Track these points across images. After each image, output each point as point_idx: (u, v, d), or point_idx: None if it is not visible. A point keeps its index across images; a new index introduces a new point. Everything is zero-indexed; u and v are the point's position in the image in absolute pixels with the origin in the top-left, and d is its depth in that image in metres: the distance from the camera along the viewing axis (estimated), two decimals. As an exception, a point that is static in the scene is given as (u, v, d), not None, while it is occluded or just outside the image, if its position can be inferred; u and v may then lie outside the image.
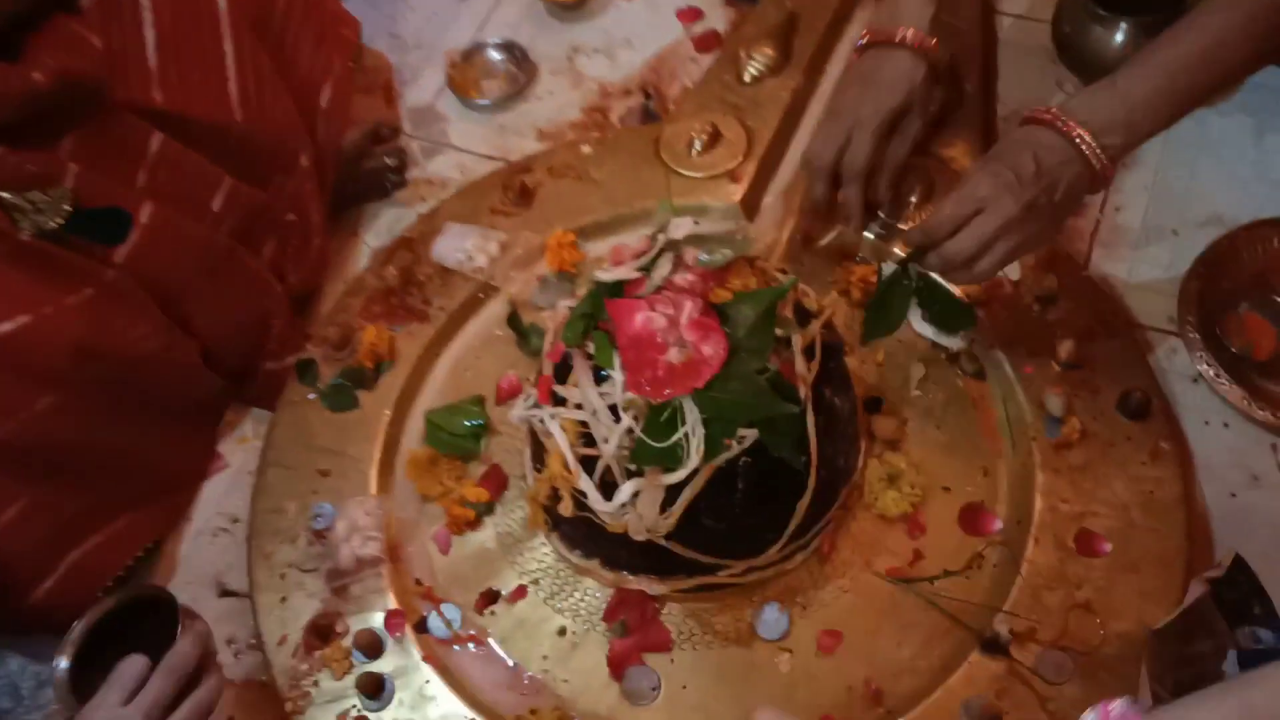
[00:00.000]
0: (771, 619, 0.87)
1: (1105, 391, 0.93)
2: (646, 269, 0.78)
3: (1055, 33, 1.16)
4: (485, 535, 0.94)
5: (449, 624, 0.90)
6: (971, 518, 0.90)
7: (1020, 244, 0.84)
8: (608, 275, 0.79)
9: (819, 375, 0.81)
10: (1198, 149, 1.10)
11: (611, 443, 0.77)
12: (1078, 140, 0.81)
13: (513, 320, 1.04)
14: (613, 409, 0.78)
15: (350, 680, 0.87)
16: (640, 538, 0.80)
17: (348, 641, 0.89)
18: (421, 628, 0.90)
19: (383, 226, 1.17)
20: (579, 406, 0.80)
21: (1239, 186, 1.07)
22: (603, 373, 0.79)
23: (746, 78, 1.15)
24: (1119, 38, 1.10)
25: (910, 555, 0.89)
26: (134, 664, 0.74)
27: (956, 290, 0.93)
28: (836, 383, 0.84)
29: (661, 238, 0.79)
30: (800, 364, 0.80)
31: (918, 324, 0.95)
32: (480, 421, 0.98)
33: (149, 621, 0.83)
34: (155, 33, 0.96)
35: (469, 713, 0.85)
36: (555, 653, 0.88)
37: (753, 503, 0.80)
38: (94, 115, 0.91)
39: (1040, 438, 0.91)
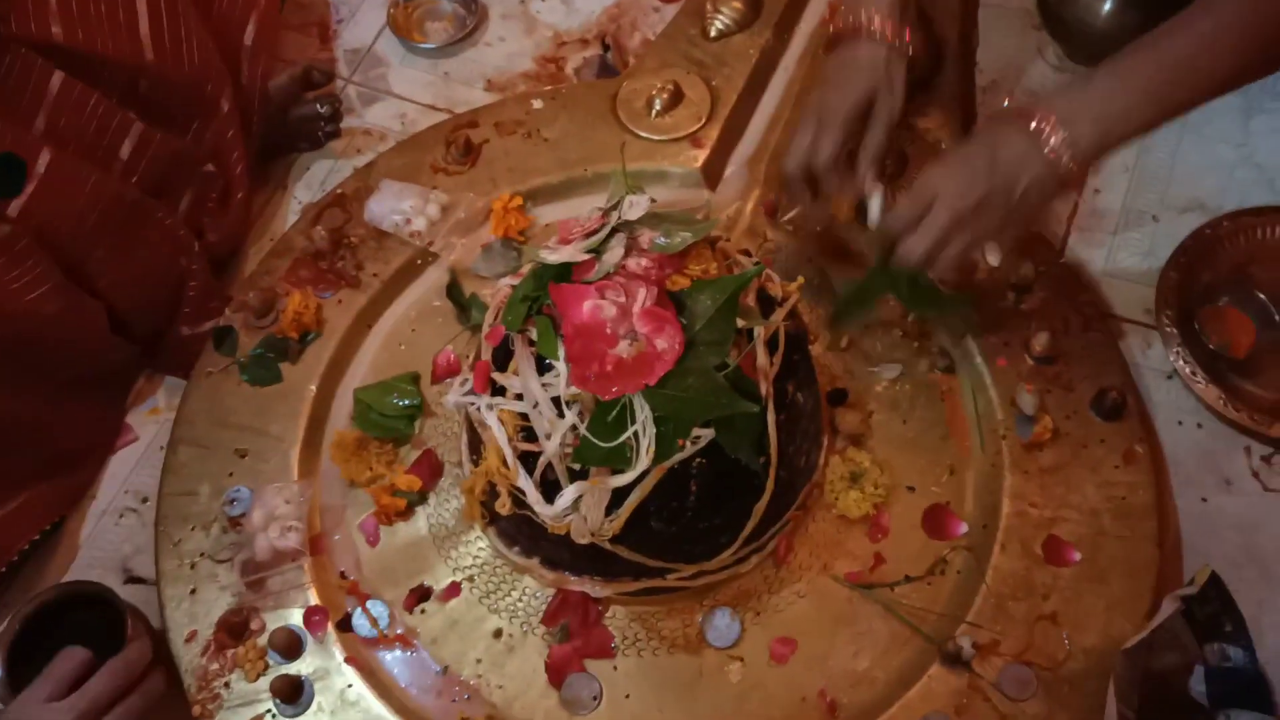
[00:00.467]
0: (722, 625, 0.82)
1: (1079, 389, 0.88)
2: (597, 251, 0.71)
3: (1039, -2, 1.10)
4: (417, 527, 0.87)
5: (375, 623, 0.83)
6: (936, 520, 0.85)
7: (976, 240, 0.79)
8: (553, 256, 0.71)
9: (781, 368, 0.75)
10: (1181, 129, 1.05)
11: (554, 440, 0.71)
12: (1042, 139, 0.75)
13: (452, 291, 0.96)
14: (556, 401, 0.71)
15: (265, 683, 0.81)
16: (583, 541, 0.74)
17: (263, 640, 0.82)
18: (345, 626, 0.83)
19: (313, 179, 1.08)
20: (519, 397, 0.73)
21: (1223, 171, 1.03)
22: (547, 361, 0.72)
23: (712, 32, 1.07)
24: (1106, 5, 1.04)
25: (871, 559, 0.84)
26: (71, 657, 0.69)
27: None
28: (800, 376, 0.78)
29: (615, 216, 0.72)
30: (762, 357, 0.74)
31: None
32: (414, 401, 0.91)
33: (87, 619, 0.80)
34: (54, -42, 0.86)
35: (394, 720, 0.80)
36: (490, 656, 0.82)
37: (706, 506, 0.74)
38: (-17, 51, 0.82)
39: (1010, 436, 0.87)
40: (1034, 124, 0.75)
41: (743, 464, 0.72)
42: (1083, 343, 0.90)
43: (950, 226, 0.77)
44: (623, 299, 0.68)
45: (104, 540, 0.92)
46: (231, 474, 0.89)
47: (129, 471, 0.95)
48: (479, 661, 0.82)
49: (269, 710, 0.80)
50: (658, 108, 1.02)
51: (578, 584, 0.81)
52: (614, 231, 0.71)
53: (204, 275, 0.97)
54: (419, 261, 0.98)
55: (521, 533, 0.81)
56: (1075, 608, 0.80)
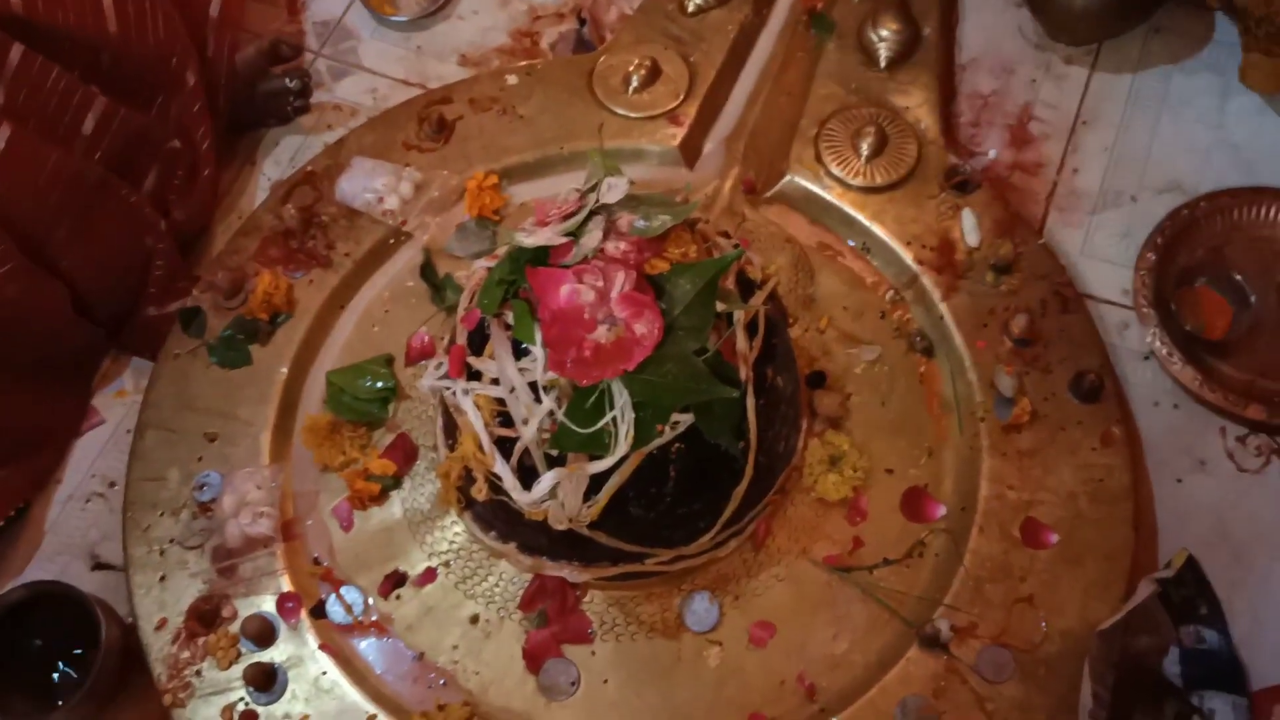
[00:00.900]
0: (701, 609, 0.81)
1: (1057, 371, 0.88)
2: (574, 234, 0.69)
3: (1020, -26, 1.08)
4: (391, 512, 0.86)
5: (349, 609, 0.82)
6: (914, 503, 0.85)
7: None
8: (530, 239, 0.69)
9: (761, 353, 0.74)
10: (1160, 108, 1.04)
11: (531, 425, 0.70)
12: None
13: (426, 271, 0.94)
14: (533, 386, 0.70)
15: (237, 670, 0.80)
16: (561, 527, 0.73)
17: (235, 627, 0.81)
18: (319, 613, 0.82)
19: (282, 156, 1.06)
20: (495, 382, 0.72)
21: (1200, 152, 1.02)
22: (523, 346, 0.70)
23: (690, 7, 1.05)
24: (1087, -17, 1.03)
25: (850, 542, 0.83)
26: None
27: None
28: (780, 360, 0.78)
29: (593, 198, 0.70)
30: (742, 342, 0.73)
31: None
32: (388, 384, 0.89)
33: (55, 615, 0.80)
34: (10, -74, 0.83)
35: (370, 707, 0.79)
36: (466, 642, 0.81)
37: (685, 491, 0.74)
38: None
39: (989, 418, 0.86)
40: None
41: (722, 449, 0.72)
42: (1061, 324, 0.90)
43: None
44: (601, 283, 0.67)
45: (70, 526, 0.90)
46: (201, 459, 0.87)
47: (95, 456, 0.93)
48: (455, 648, 0.81)
49: (242, 698, 0.79)
50: (635, 84, 1.01)
51: (555, 569, 0.80)
52: (592, 214, 0.69)
53: (170, 255, 0.95)
54: (392, 241, 0.96)
55: (498, 518, 0.80)
56: (1052, 590, 0.81)
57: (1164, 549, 0.86)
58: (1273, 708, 0.79)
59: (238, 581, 0.82)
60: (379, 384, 0.89)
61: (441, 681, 0.80)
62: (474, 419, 0.72)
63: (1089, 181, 1.01)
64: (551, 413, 0.69)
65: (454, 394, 0.74)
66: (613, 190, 0.69)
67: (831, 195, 0.96)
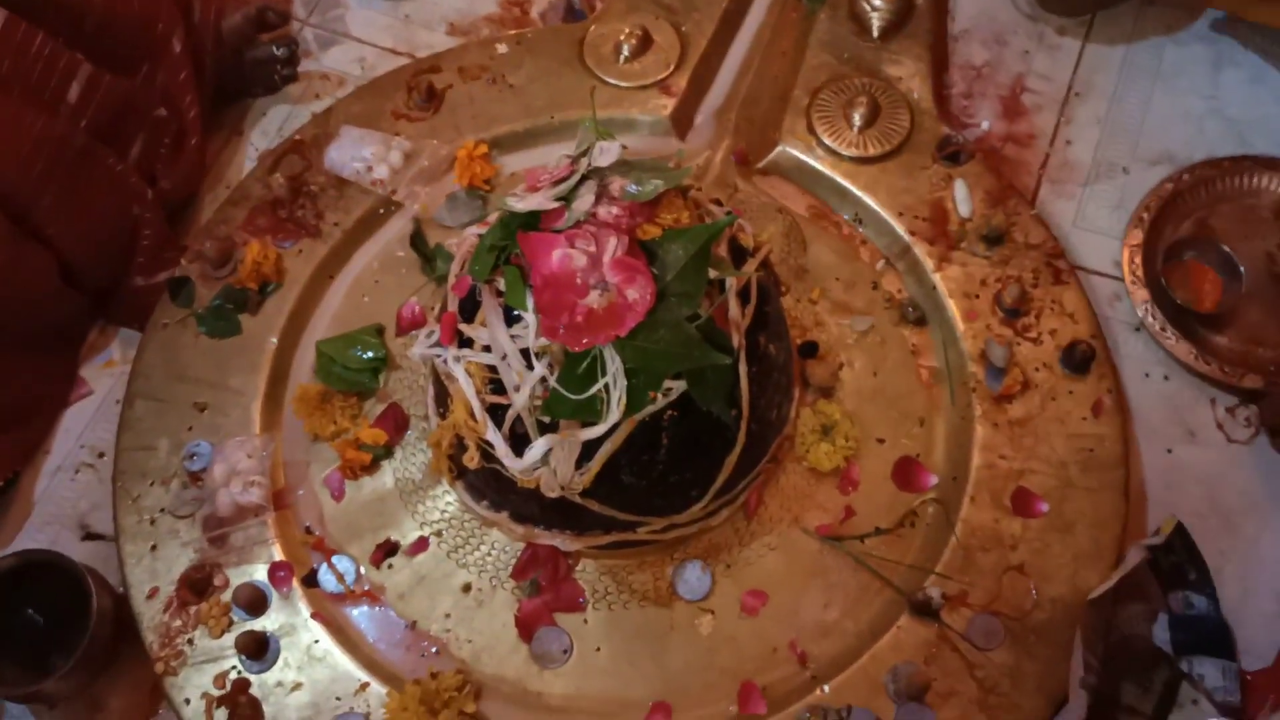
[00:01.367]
0: (693, 578, 0.81)
1: (1048, 341, 0.88)
2: (566, 199, 0.69)
3: (1014, -56, 1.08)
4: (383, 481, 0.86)
5: (341, 578, 0.82)
6: (906, 472, 0.85)
7: None
8: (521, 204, 0.69)
9: (753, 320, 0.74)
10: (1153, 79, 1.04)
11: (523, 392, 0.69)
12: None
13: (416, 241, 0.94)
14: (525, 353, 0.70)
15: (229, 639, 0.79)
16: (553, 495, 0.73)
17: (227, 596, 0.81)
18: (311, 581, 0.82)
19: (270, 125, 1.05)
20: (487, 349, 0.71)
21: (1192, 123, 1.02)
22: (515, 312, 0.70)
23: (682, -24, 1.04)
24: (1080, -46, 1.03)
25: (841, 512, 0.83)
26: None
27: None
28: (772, 328, 0.77)
29: (585, 163, 0.70)
30: (734, 309, 0.72)
31: None
32: (378, 354, 0.89)
33: (45, 584, 0.80)
34: (-9, -111, 0.82)
35: (362, 675, 0.79)
36: (459, 611, 0.81)
37: (677, 459, 0.73)
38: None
39: (980, 388, 0.86)
40: None
41: (714, 417, 0.71)
42: (1052, 295, 0.90)
43: None
44: (593, 248, 0.66)
45: (60, 496, 0.90)
46: (191, 428, 0.87)
47: (84, 426, 0.92)
48: (448, 616, 0.81)
49: (234, 666, 0.79)
50: (626, 54, 1.00)
51: (547, 538, 0.80)
52: (584, 179, 0.69)
53: (158, 224, 0.94)
54: (381, 211, 0.95)
55: (490, 486, 0.80)
56: (1043, 558, 0.81)
57: (1154, 518, 0.86)
58: (1267, 695, 0.79)
59: (229, 550, 0.82)
60: (369, 354, 0.89)
61: (434, 650, 0.80)
62: (465, 386, 0.72)
63: (1082, 153, 1.01)
64: (543, 379, 0.69)
65: (445, 361, 0.74)
66: (605, 154, 0.68)
67: (823, 166, 0.95)
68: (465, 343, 0.73)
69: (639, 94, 0.99)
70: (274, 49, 1.05)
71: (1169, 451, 0.89)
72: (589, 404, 0.68)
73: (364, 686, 0.78)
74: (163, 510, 0.84)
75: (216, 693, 0.79)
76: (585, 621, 0.81)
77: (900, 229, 0.92)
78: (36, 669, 0.81)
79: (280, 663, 0.79)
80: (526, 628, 0.80)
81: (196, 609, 0.81)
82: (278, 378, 0.89)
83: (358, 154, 0.96)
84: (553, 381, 0.68)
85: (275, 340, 0.90)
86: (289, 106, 1.06)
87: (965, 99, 1.03)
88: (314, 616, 0.80)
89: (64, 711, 0.82)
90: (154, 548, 0.83)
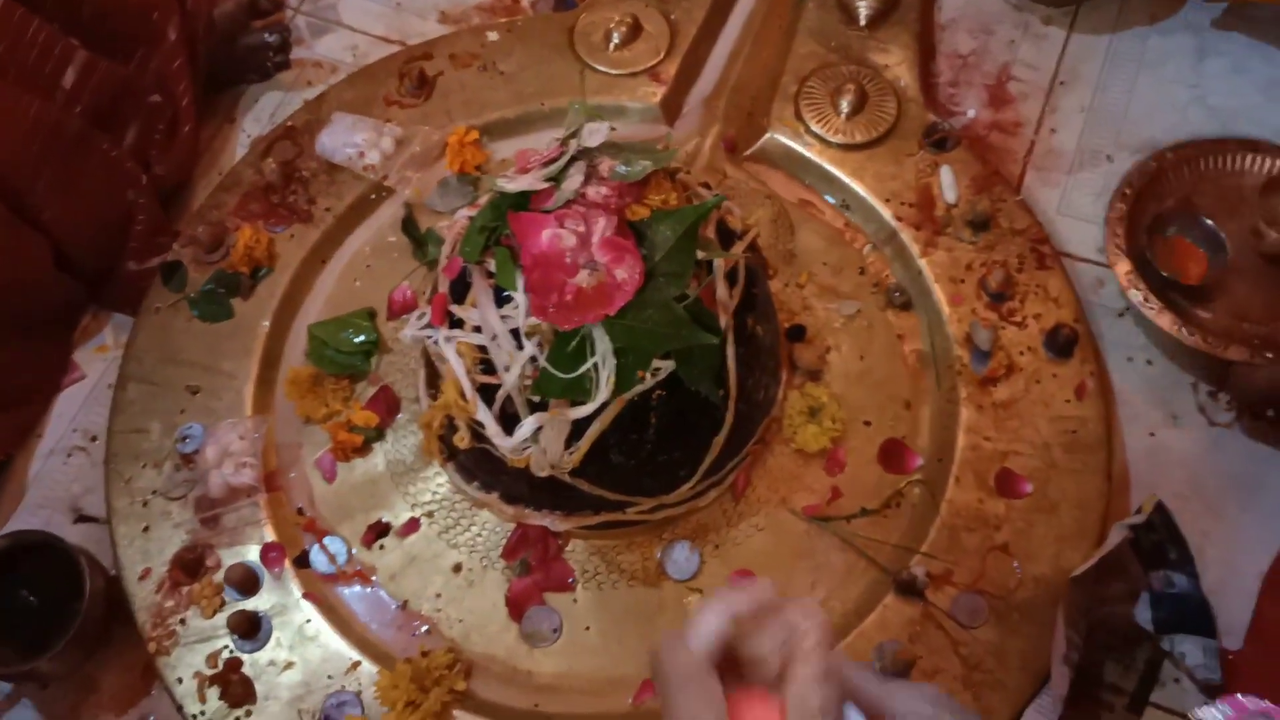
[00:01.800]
0: (681, 558, 0.82)
1: (1033, 325, 0.89)
2: (555, 179, 0.70)
3: (1001, -66, 1.09)
4: (374, 462, 0.86)
5: (333, 559, 0.83)
6: (892, 454, 0.86)
7: None
8: (511, 185, 0.70)
9: (741, 302, 0.75)
10: (1138, 67, 1.05)
11: (513, 371, 0.70)
12: None
13: (408, 225, 0.95)
14: (515, 334, 0.70)
15: (222, 619, 0.80)
16: (543, 474, 0.74)
17: (219, 577, 0.81)
18: (302, 562, 0.83)
19: (262, 112, 1.06)
20: (477, 329, 0.72)
21: (1176, 111, 1.03)
22: (505, 293, 0.71)
23: (672, -36, 1.05)
24: (1066, -57, 1.04)
25: (828, 493, 0.84)
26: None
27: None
28: (760, 310, 0.78)
29: (574, 144, 0.71)
30: (722, 290, 0.73)
31: None
32: (370, 337, 0.90)
33: (39, 565, 0.81)
34: (-14, -126, 0.83)
35: (354, 654, 0.79)
36: (449, 591, 0.82)
37: (666, 439, 0.74)
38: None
39: (966, 371, 0.87)
40: None
41: (702, 397, 0.72)
42: (1037, 280, 0.91)
43: None
44: (582, 228, 0.67)
45: (53, 479, 0.90)
46: (183, 411, 0.87)
47: (77, 410, 0.93)
48: (438, 596, 0.82)
49: (226, 645, 0.80)
50: (616, 41, 1.01)
51: (537, 518, 0.81)
52: (573, 159, 0.70)
53: (152, 209, 0.95)
54: (373, 196, 0.96)
55: (480, 467, 0.80)
56: (1026, 538, 0.82)
57: (1136, 499, 0.87)
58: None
59: (221, 531, 0.83)
60: (361, 337, 0.89)
61: (425, 629, 0.81)
62: (456, 366, 0.73)
63: (1066, 141, 1.02)
64: (533, 359, 0.69)
65: (436, 342, 0.74)
66: (594, 135, 0.69)
67: (811, 152, 0.96)
68: (456, 324, 0.73)
69: (629, 81, 1.00)
70: (267, 36, 1.06)
71: (1151, 435, 0.90)
72: (578, 383, 0.69)
73: (355, 665, 0.79)
74: (155, 492, 0.85)
75: (209, 672, 0.79)
76: (575, 601, 0.82)
77: (887, 214, 0.93)
78: (29, 649, 0.81)
79: (272, 642, 0.80)
80: (517, 607, 0.81)
81: (189, 589, 0.81)
82: (270, 361, 0.89)
83: (350, 140, 0.96)
84: (542, 361, 0.69)
85: (267, 324, 0.90)
86: (281, 93, 1.06)
87: (952, 87, 1.04)
88: (306, 596, 0.81)
89: (57, 691, 0.82)
90: (146, 529, 0.84)
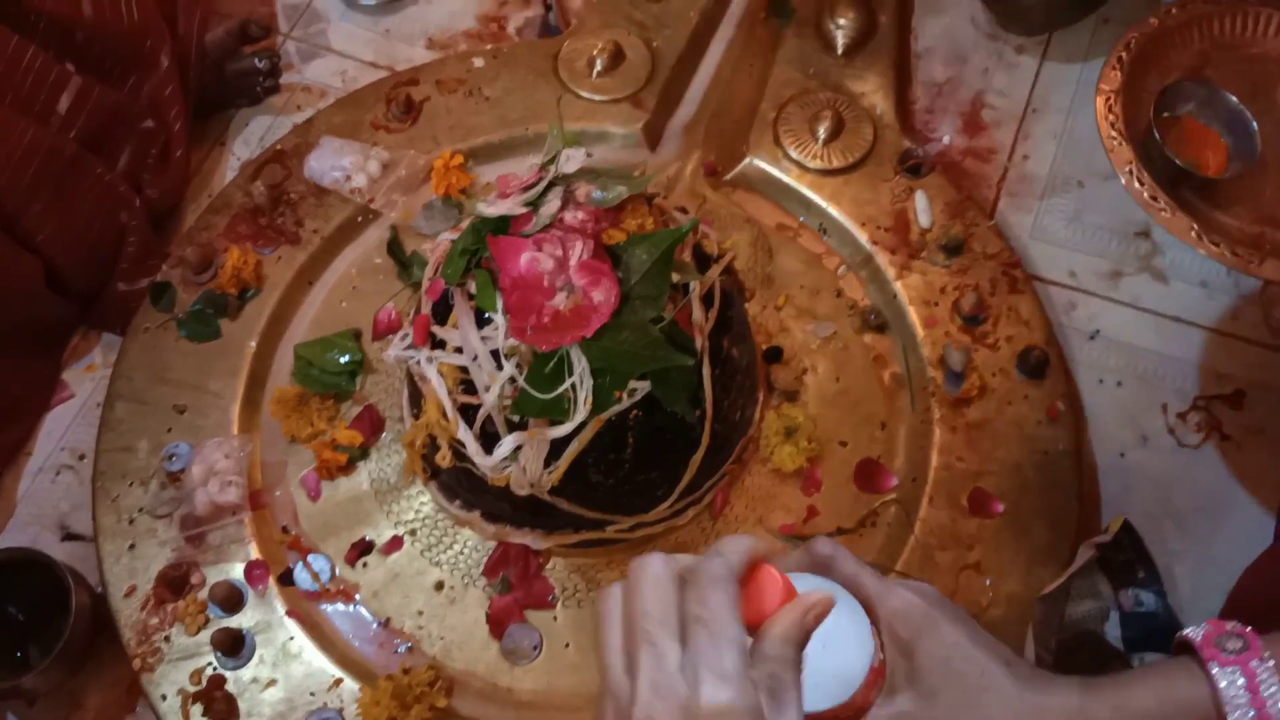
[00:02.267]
0: (658, 575, 0.83)
1: (1005, 347, 0.91)
2: (534, 204, 0.72)
3: (975, -35, 1.10)
4: (358, 481, 0.88)
5: (316, 576, 0.84)
6: (867, 474, 0.87)
7: None
8: (491, 209, 0.72)
9: (717, 324, 0.77)
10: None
11: (493, 391, 0.72)
12: None
13: (393, 248, 0.96)
14: (495, 354, 0.72)
15: (206, 636, 0.81)
16: (523, 493, 0.75)
17: (203, 594, 0.83)
18: (286, 580, 0.84)
19: (252, 136, 1.07)
20: (459, 350, 0.74)
21: (1147, 138, 1.05)
22: (485, 315, 0.72)
23: (653, -7, 1.08)
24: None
25: (805, 511, 0.86)
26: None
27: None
28: (735, 332, 0.80)
29: (552, 170, 0.72)
30: (698, 312, 0.75)
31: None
32: (355, 357, 0.91)
33: (26, 582, 0.82)
34: (-14, -93, 0.85)
35: (336, 671, 0.80)
36: (431, 608, 0.83)
37: (643, 458, 0.76)
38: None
39: (939, 393, 0.89)
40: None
41: (679, 417, 0.74)
42: (1009, 303, 0.93)
43: None
44: (560, 252, 0.69)
45: (41, 497, 0.91)
46: (170, 430, 0.89)
47: (65, 429, 0.94)
48: (421, 613, 0.83)
49: (210, 663, 0.81)
50: (599, 68, 1.03)
51: (518, 536, 0.83)
52: (551, 185, 0.72)
53: (143, 231, 0.96)
54: (360, 219, 0.98)
55: (462, 486, 0.82)
56: (998, 557, 0.84)
57: (1107, 519, 0.89)
58: None
59: (206, 549, 0.84)
60: (346, 357, 0.91)
61: (407, 646, 0.82)
62: (438, 386, 0.74)
63: (1038, 167, 1.04)
64: (513, 379, 0.71)
65: (419, 363, 0.76)
66: (570, 161, 0.71)
67: (790, 177, 0.98)
68: (438, 344, 0.75)
69: (611, 107, 1.02)
70: (256, 61, 1.08)
71: (1122, 455, 0.92)
72: (556, 403, 0.70)
73: (338, 682, 0.80)
74: (141, 510, 0.86)
75: (193, 689, 0.80)
76: (555, 619, 0.83)
77: (863, 238, 0.95)
78: (15, 665, 0.82)
79: (255, 659, 0.81)
80: (498, 624, 0.83)
81: (173, 607, 0.82)
82: (256, 380, 0.91)
83: (337, 163, 0.98)
84: (521, 381, 0.70)
85: (254, 344, 0.92)
86: (271, 117, 1.08)
87: (927, 114, 1.07)
88: (289, 614, 0.82)
89: (42, 707, 0.83)
90: (132, 546, 0.85)
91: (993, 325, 0.92)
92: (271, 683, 0.80)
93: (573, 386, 0.70)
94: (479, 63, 1.05)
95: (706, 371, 0.75)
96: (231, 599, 0.82)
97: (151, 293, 0.94)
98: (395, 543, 0.86)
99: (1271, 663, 0.48)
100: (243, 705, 0.80)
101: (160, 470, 0.87)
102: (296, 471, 0.88)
